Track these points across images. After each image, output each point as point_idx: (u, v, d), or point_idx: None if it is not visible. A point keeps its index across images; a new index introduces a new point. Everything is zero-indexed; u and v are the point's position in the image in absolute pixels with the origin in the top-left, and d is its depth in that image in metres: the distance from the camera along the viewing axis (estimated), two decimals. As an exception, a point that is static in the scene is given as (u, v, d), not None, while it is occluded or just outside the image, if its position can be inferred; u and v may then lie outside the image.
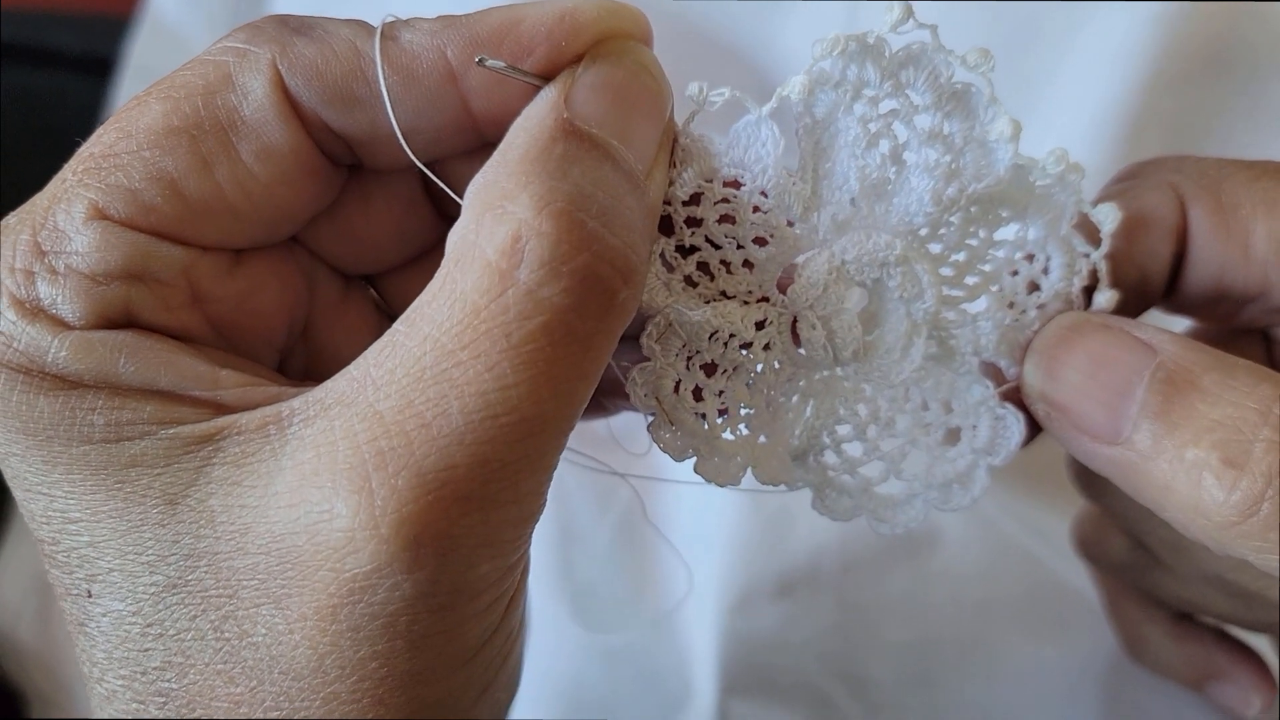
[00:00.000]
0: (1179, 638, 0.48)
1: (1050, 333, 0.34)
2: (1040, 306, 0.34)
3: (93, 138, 0.29)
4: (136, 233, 0.28)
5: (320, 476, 0.25)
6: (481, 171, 0.27)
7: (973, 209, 0.33)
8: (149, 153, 0.28)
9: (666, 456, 0.33)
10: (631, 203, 0.28)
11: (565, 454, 0.28)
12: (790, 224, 0.32)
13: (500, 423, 0.25)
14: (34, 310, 0.28)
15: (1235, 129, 0.60)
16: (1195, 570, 0.42)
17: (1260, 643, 0.49)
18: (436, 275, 0.26)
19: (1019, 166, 0.32)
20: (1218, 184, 0.35)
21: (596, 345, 0.26)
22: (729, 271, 0.32)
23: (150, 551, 0.27)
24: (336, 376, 0.27)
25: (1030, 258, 0.34)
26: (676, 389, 0.32)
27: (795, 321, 0.33)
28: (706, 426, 0.33)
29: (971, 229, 0.34)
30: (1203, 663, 0.47)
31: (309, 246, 0.34)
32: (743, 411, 0.33)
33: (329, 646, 0.26)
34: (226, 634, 0.26)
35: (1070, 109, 0.60)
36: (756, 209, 0.31)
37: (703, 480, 0.32)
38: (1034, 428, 0.35)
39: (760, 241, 0.32)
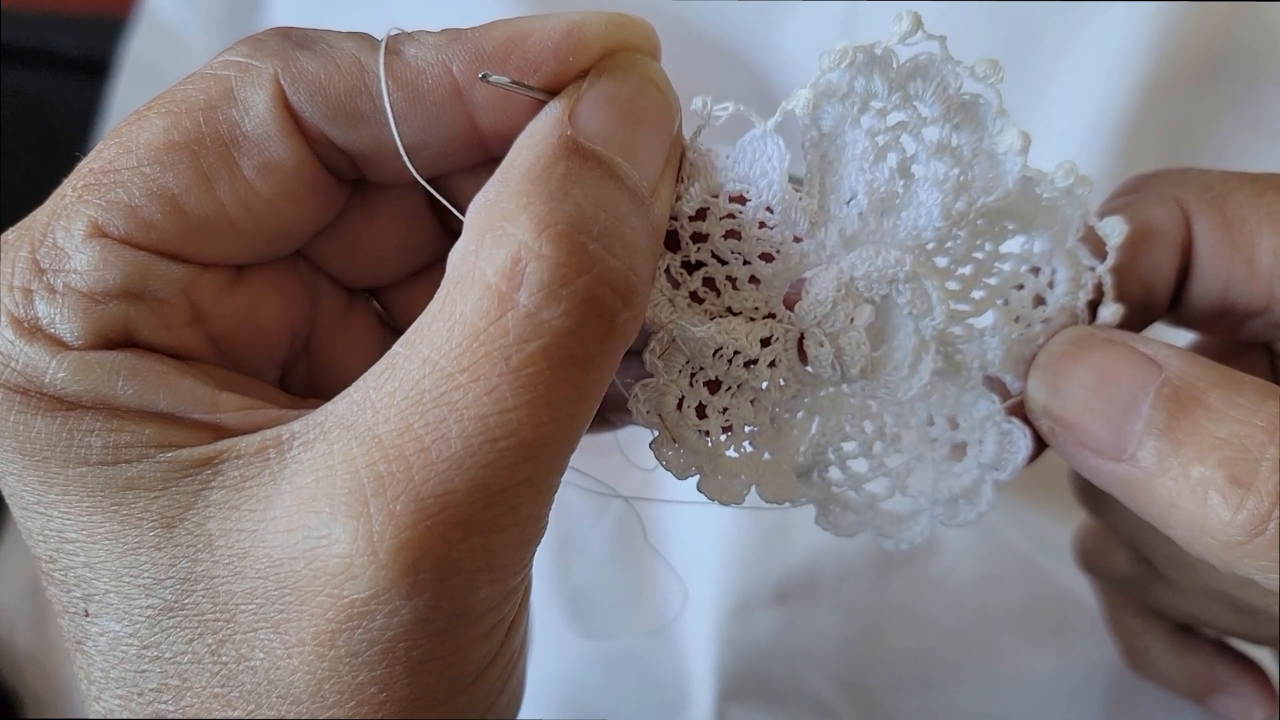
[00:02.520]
0: (1180, 650, 0.48)
1: (1054, 347, 0.33)
2: (1045, 320, 0.34)
3: (93, 153, 0.29)
4: (136, 250, 0.28)
5: (319, 501, 0.25)
6: (483, 190, 0.27)
7: (979, 221, 0.33)
8: (149, 169, 0.28)
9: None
10: (635, 222, 0.27)
11: (567, 475, 0.28)
12: (797, 239, 0.31)
13: (500, 447, 0.25)
14: (32, 329, 0.27)
15: (1232, 134, 0.60)
16: (1199, 585, 0.41)
17: (1262, 655, 0.49)
18: (436, 296, 0.26)
19: (1026, 179, 0.31)
20: (1222, 198, 0.35)
21: (597, 367, 0.26)
22: (735, 288, 0.32)
23: (146, 574, 0.27)
24: (337, 399, 0.27)
25: (1036, 271, 0.34)
26: (680, 406, 0.32)
27: (801, 338, 0.32)
28: (710, 444, 0.32)
29: (978, 241, 0.33)
30: (1204, 675, 0.47)
31: (312, 260, 0.34)
32: (746, 429, 0.33)
33: (327, 672, 0.25)
34: (224, 658, 0.26)
35: (1067, 113, 0.60)
36: (762, 224, 0.31)
37: (706, 500, 0.32)
38: (1039, 443, 0.34)
39: (766, 257, 0.32)
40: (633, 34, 0.29)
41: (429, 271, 0.35)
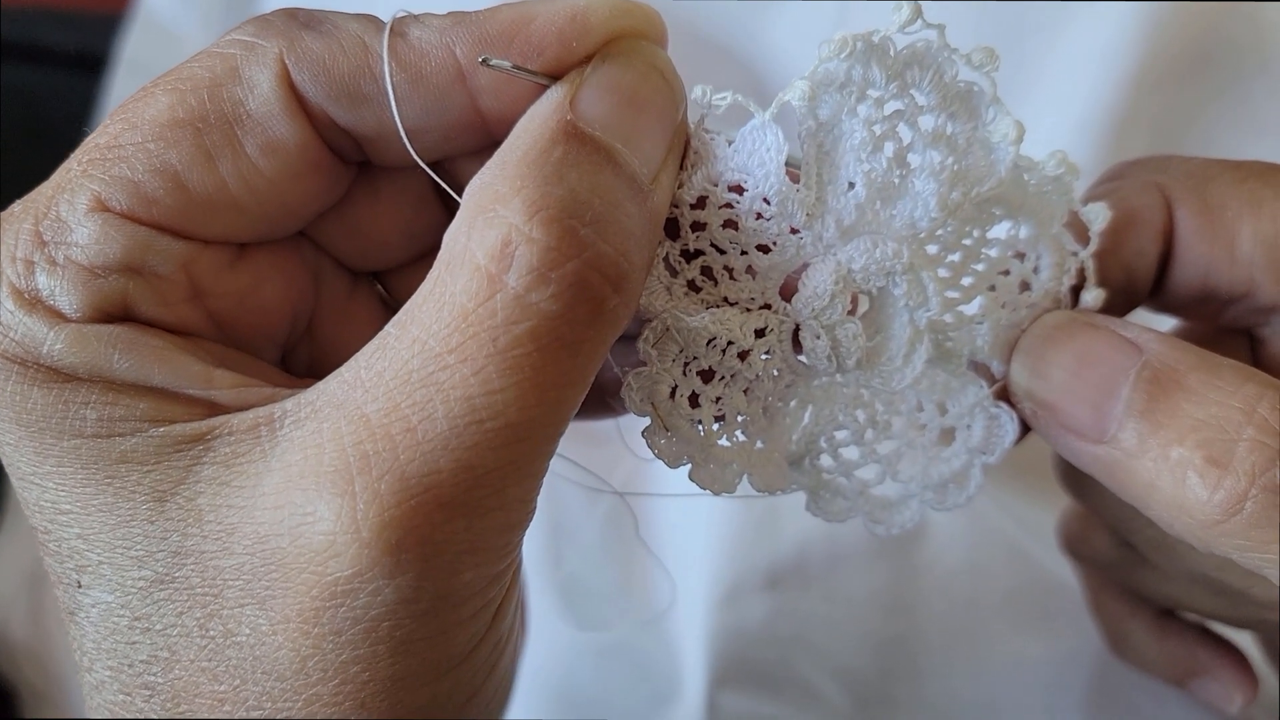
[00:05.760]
0: (1162, 634, 0.48)
1: (1037, 331, 0.34)
2: (1031, 306, 0.34)
3: (99, 128, 0.29)
4: (137, 225, 0.28)
5: (305, 479, 0.25)
6: (480, 172, 0.27)
7: (969, 208, 0.33)
8: (153, 145, 0.28)
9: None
10: (630, 209, 0.27)
11: (559, 468, 0.28)
12: (794, 231, 0.31)
13: (485, 429, 0.25)
14: (32, 301, 0.28)
15: (1218, 128, 0.61)
16: (1180, 568, 0.42)
17: (1242, 638, 0.49)
18: (428, 277, 0.26)
19: (1016, 166, 0.32)
20: (1204, 184, 0.35)
21: (585, 352, 0.26)
22: (732, 277, 0.32)
23: (138, 547, 0.27)
24: (329, 377, 0.27)
25: (1021, 256, 0.34)
26: (673, 395, 0.32)
27: (797, 329, 0.32)
28: (702, 433, 0.32)
29: (967, 228, 0.33)
30: (1185, 659, 0.48)
31: (316, 241, 0.34)
32: (739, 418, 0.33)
33: (311, 649, 0.26)
34: (211, 632, 0.26)
35: (1055, 108, 0.60)
36: (759, 216, 0.31)
37: (698, 491, 0.32)
38: (1024, 426, 0.35)
39: (763, 248, 0.31)
40: (638, 20, 0.29)
41: (433, 255, 0.35)
